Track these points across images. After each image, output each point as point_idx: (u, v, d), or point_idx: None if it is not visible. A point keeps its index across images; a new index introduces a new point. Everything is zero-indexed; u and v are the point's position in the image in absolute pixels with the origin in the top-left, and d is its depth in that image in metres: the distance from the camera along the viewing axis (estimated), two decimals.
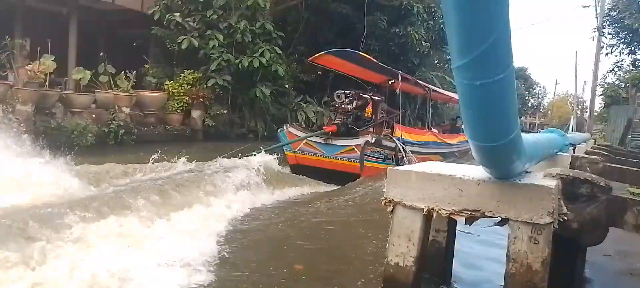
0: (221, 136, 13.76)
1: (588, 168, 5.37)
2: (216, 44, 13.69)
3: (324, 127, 10.39)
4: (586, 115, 35.60)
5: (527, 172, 3.09)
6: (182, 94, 13.24)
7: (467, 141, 2.50)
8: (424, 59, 21.63)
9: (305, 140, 9.88)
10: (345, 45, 19.73)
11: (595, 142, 16.07)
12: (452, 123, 17.24)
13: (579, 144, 9.44)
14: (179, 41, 13.43)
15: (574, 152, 6.90)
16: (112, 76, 11.83)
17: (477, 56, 1.90)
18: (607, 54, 22.98)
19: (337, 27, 19.46)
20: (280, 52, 15.00)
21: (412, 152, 10.17)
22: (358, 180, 8.66)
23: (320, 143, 9.81)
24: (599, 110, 29.71)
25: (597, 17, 23.45)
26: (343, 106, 10.40)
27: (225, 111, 14.04)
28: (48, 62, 10.32)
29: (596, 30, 23.59)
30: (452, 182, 2.85)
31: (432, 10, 19.34)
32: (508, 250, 2.68)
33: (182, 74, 13.57)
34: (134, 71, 12.37)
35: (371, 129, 10.41)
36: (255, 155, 8.79)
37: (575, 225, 2.69)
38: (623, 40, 21.40)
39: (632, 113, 16.47)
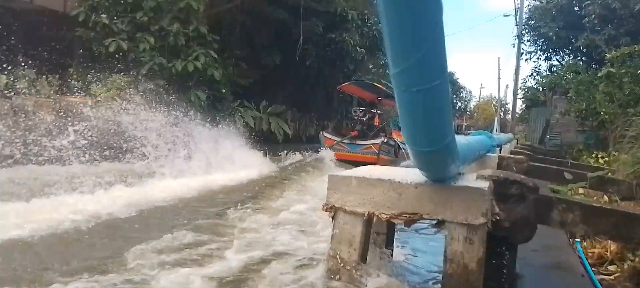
0: None
1: (514, 168, 5.71)
2: (147, 47, 13.11)
3: (351, 132, 15.29)
4: (509, 116, 38.01)
5: (460, 174, 3.20)
6: (110, 99, 12.53)
7: None
8: (359, 64, 22.10)
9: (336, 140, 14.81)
10: (281, 49, 19.82)
11: (518, 141, 17.21)
12: None
13: (505, 144, 10.06)
14: (106, 44, 12.73)
15: (500, 152, 7.33)
16: (32, 81, 10.95)
17: (413, 63, 1.93)
18: (526, 59, 24.70)
19: (273, 32, 19.38)
20: (215, 56, 14.64)
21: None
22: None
23: (347, 143, 14.64)
24: (520, 112, 31.80)
25: (516, 25, 25.12)
26: (360, 118, 15.47)
27: None
28: None
29: (516, 37, 25.28)
30: (391, 186, 2.89)
31: (366, 17, 19.80)
32: (445, 252, 2.75)
33: (110, 78, 12.86)
34: (57, 75, 11.56)
35: (369, 133, 15.06)
36: (320, 151, 14.32)
37: (507, 224, 2.81)
38: (540, 47, 23.08)
39: (550, 115, 17.75)
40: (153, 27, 13.51)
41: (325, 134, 15.37)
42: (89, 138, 9.13)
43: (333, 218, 3.03)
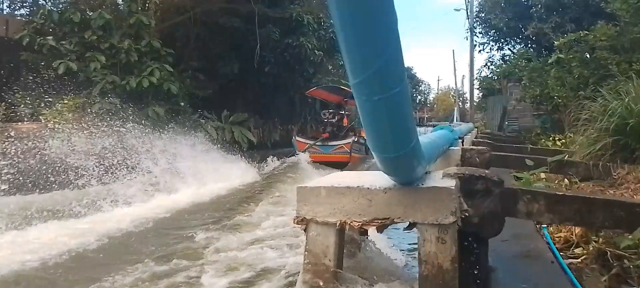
0: None
1: (477, 159, 5.83)
2: (98, 66, 12.68)
3: (322, 135, 15.98)
4: (467, 105, 39.08)
5: (427, 173, 3.22)
6: (63, 122, 12.02)
7: None
8: (318, 67, 22.12)
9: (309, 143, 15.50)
10: (239, 58, 19.59)
11: (478, 130, 17.65)
12: None
13: (466, 135, 10.26)
14: (55, 66, 12.22)
15: (463, 144, 7.46)
16: None
17: (372, 73, 1.91)
18: (480, 50, 25.43)
19: (229, 41, 19.13)
20: (171, 69, 14.32)
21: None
22: (349, 164, 14.00)
23: (320, 145, 15.37)
24: (477, 101, 32.73)
25: (468, 18, 25.87)
26: (330, 120, 16.44)
27: None
28: None
29: (468, 30, 26.01)
30: (360, 193, 2.86)
31: (322, 20, 19.83)
32: (419, 253, 2.75)
33: (60, 102, 12.35)
34: (3, 102, 11.01)
35: (340, 133, 15.97)
36: (298, 154, 15.22)
37: (476, 220, 2.83)
38: (492, 38, 23.82)
39: (506, 102, 18.33)
40: (103, 46, 13.11)
41: (298, 138, 16.07)
42: (40, 164, 8.73)
43: (305, 230, 2.98)
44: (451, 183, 2.80)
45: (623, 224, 2.57)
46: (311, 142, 15.57)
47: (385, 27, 1.83)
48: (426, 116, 72.61)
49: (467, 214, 2.82)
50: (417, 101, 73.47)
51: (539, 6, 19.06)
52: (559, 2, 18.57)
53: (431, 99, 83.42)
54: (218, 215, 7.07)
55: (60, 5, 14.41)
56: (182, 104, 15.38)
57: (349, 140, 15.06)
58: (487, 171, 2.97)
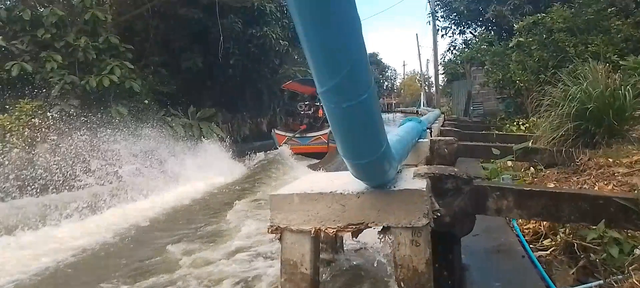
0: None
1: (446, 150, 5.92)
2: (54, 66, 12.14)
3: (300, 127, 16.57)
4: (433, 89, 39.64)
5: (398, 172, 3.22)
6: (21, 127, 11.49)
7: None
8: (285, 57, 21.91)
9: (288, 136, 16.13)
10: (202, 50, 19.17)
11: (444, 115, 17.95)
12: None
13: (433, 124, 10.40)
14: (7, 68, 11.63)
15: (431, 134, 7.56)
16: None
17: (339, 82, 1.90)
18: (442, 35, 25.62)
19: (191, 33, 18.66)
20: (131, 66, 13.87)
21: None
22: (327, 154, 14.90)
23: (298, 137, 16.08)
24: (442, 85, 33.21)
25: (429, 2, 26.08)
26: (306, 113, 17.24)
27: None
28: None
29: (430, 14, 26.21)
30: (333, 198, 2.84)
31: (284, 8, 19.57)
32: (394, 257, 2.75)
33: (17, 105, 11.79)
34: None
35: (316, 124, 16.67)
36: (278, 147, 15.96)
37: (448, 219, 2.87)
38: (454, 21, 24.02)
39: (470, 86, 18.65)
40: (58, 44, 12.55)
41: (277, 132, 16.80)
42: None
43: (280, 239, 2.94)
44: (422, 184, 2.81)
45: (588, 217, 2.65)
46: (290, 135, 16.12)
47: (350, 36, 1.81)
48: (394, 102, 73.41)
49: (439, 214, 2.85)
50: (384, 87, 74.05)
51: None
52: None
53: (398, 84, 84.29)
54: (194, 225, 6.84)
55: (8, 2, 13.64)
56: (146, 101, 14.94)
57: (326, 130, 15.51)
58: (456, 169, 3.01)
